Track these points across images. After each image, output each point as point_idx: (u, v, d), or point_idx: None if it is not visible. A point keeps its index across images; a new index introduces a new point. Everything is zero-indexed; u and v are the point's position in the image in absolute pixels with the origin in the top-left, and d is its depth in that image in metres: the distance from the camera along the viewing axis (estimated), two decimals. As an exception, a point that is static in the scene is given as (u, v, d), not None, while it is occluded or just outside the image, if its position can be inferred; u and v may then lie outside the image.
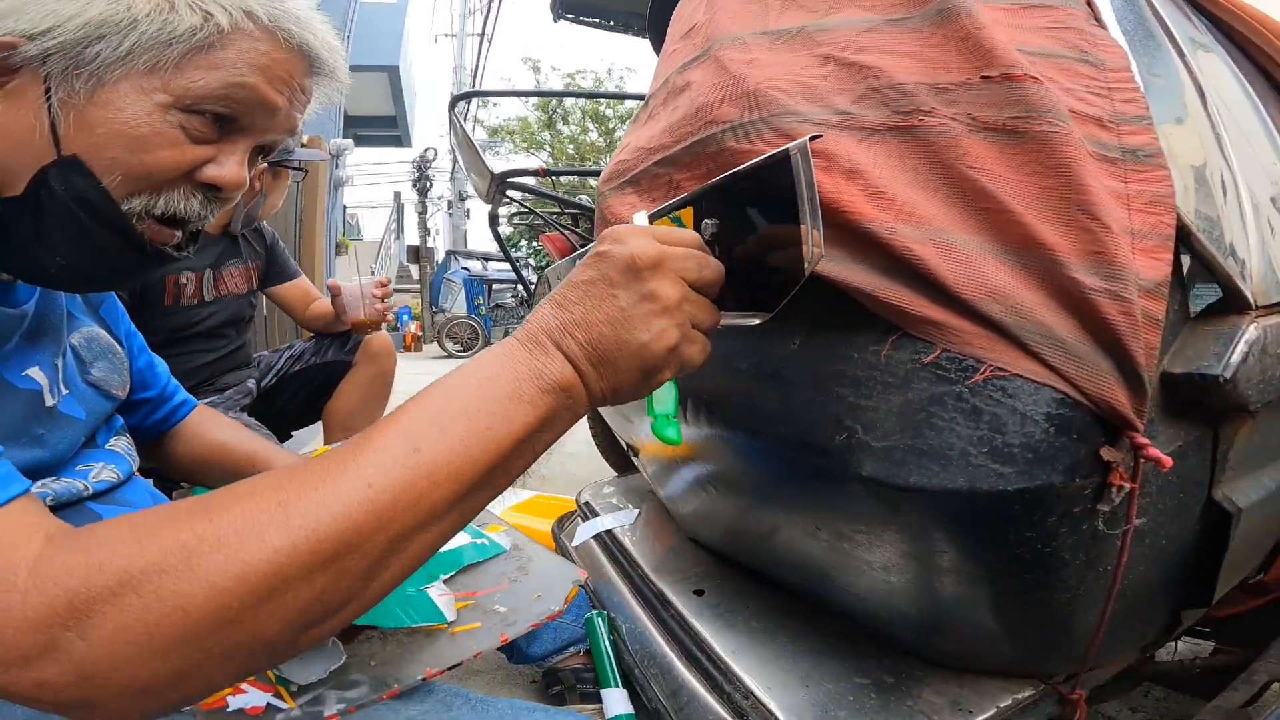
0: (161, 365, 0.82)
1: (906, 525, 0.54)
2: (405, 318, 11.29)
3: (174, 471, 0.83)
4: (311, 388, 1.51)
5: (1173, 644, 0.81)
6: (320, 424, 1.56)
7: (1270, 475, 0.62)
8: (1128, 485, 0.46)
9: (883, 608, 0.68)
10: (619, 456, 1.83)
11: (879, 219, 0.54)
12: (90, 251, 0.48)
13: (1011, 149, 0.52)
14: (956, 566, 0.54)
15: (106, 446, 0.64)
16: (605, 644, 0.89)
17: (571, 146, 16.43)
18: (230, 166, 0.49)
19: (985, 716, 0.63)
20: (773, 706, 0.69)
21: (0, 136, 0.44)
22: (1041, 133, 0.51)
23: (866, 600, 0.69)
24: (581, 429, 2.01)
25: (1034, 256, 0.49)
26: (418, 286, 12.46)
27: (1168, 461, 0.45)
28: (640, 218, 0.53)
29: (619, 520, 1.15)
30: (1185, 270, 0.53)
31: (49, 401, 0.54)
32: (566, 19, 2.01)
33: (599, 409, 0.95)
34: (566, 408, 0.40)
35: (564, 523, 1.27)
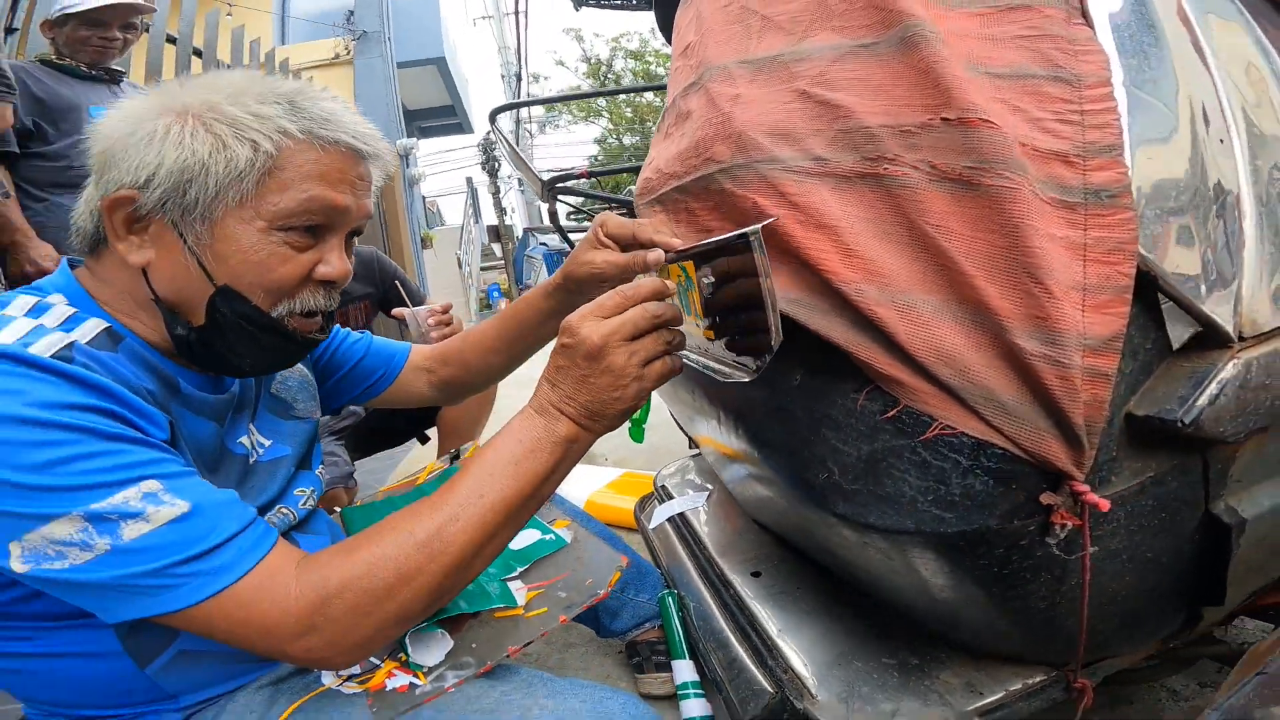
0: (363, 349, 0.98)
1: (881, 551, 0.62)
2: (496, 294, 12.16)
3: (416, 401, 1.01)
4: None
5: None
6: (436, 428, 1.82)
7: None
8: (1070, 523, 0.51)
9: (900, 597, 0.76)
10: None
11: (848, 278, 0.59)
12: (262, 350, 0.65)
13: (967, 202, 0.55)
14: (932, 581, 0.62)
15: (317, 472, 0.85)
16: (675, 621, 1.04)
17: (629, 110, 16.10)
18: (334, 262, 0.64)
19: (994, 698, 0.71)
20: (807, 679, 0.81)
21: (171, 279, 0.61)
22: (993, 187, 0.53)
23: (887, 589, 0.77)
24: (663, 408, 2.16)
25: (983, 318, 0.53)
26: (502, 263, 13.02)
27: (1104, 505, 0.50)
28: (655, 255, 0.69)
29: (690, 503, 1.28)
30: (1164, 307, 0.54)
31: (251, 460, 0.74)
32: (588, 6, 2.01)
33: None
34: (573, 450, 0.60)
35: (644, 504, 1.42)
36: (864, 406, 0.60)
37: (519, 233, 13.88)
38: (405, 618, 0.56)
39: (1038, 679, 0.71)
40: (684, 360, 0.64)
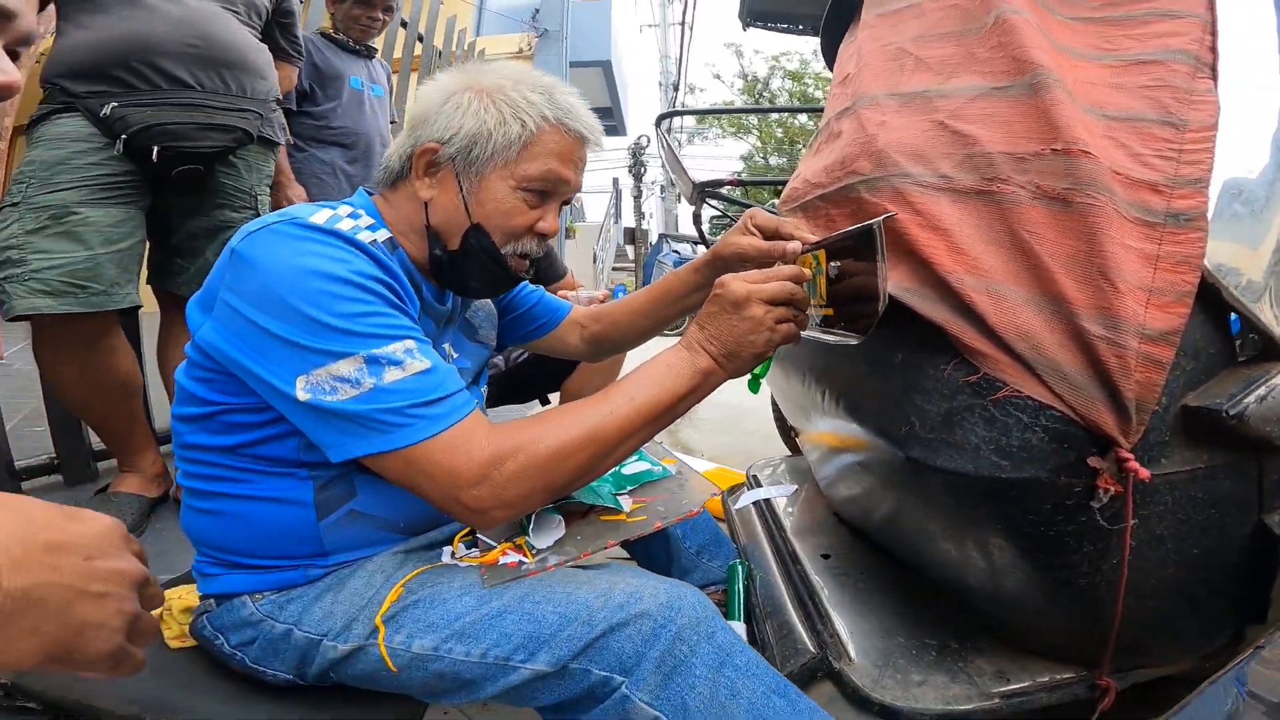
0: (536, 297, 1.14)
1: (941, 505, 0.74)
2: (620, 294, 12.50)
3: (567, 351, 1.17)
4: (557, 365, 1.99)
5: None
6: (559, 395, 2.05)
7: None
8: (1113, 489, 0.62)
9: (951, 563, 0.84)
10: (793, 440, 2.07)
11: (952, 269, 0.74)
12: (488, 278, 0.83)
13: (1060, 216, 0.68)
14: (982, 539, 0.73)
15: (480, 388, 1.05)
16: (739, 585, 1.14)
17: (780, 130, 16.19)
18: (550, 220, 0.82)
19: (1020, 686, 0.78)
20: (848, 644, 0.91)
21: (442, 212, 0.80)
22: (1082, 204, 0.66)
23: (942, 557, 0.86)
24: (765, 412, 2.28)
25: (1059, 306, 0.65)
26: (633, 266, 13.45)
27: (1145, 473, 0.60)
28: (794, 246, 0.85)
29: (778, 492, 1.41)
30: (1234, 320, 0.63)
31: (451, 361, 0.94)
32: (755, 26, 2.19)
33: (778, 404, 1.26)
34: (708, 381, 0.73)
35: (733, 491, 1.56)
36: (950, 375, 0.73)
37: (653, 238, 14.42)
38: (554, 487, 0.68)
39: (1066, 675, 0.78)
40: (801, 336, 0.79)
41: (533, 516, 0.90)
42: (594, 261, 11.61)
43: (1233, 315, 0.65)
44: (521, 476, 0.65)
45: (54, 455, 1.83)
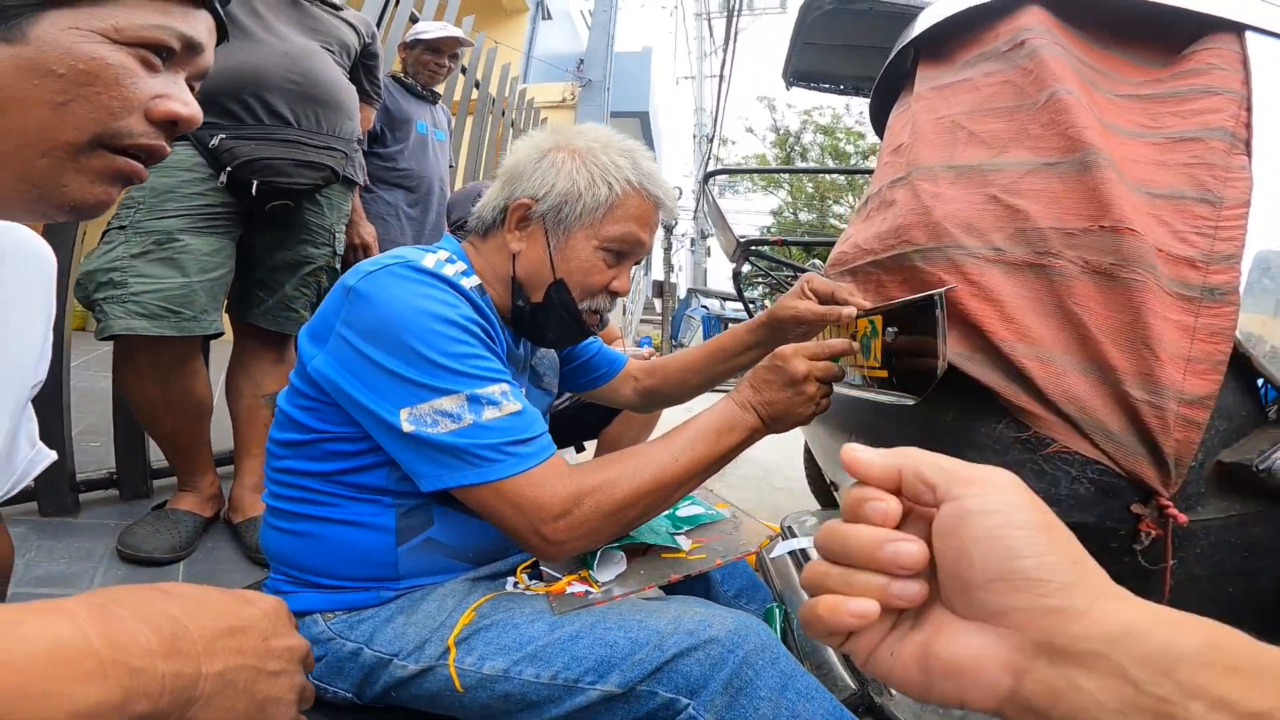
0: (596, 348, 1.19)
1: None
2: (646, 346, 12.56)
3: (620, 402, 1.24)
4: (596, 415, 2.03)
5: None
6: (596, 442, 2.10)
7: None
8: (1154, 532, 0.70)
9: None
10: (824, 494, 2.13)
11: (1006, 337, 0.83)
12: (564, 330, 0.89)
13: (1106, 289, 0.77)
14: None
15: None
16: (778, 627, 1.20)
17: (811, 185, 16.41)
18: (624, 280, 0.88)
19: None
20: None
21: (529, 265, 0.85)
22: (1128, 279, 0.75)
23: None
24: (792, 469, 2.32)
25: (1104, 373, 0.74)
26: (659, 319, 13.62)
27: (1183, 518, 0.68)
28: (849, 311, 0.90)
29: (811, 542, 1.47)
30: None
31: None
32: (799, 85, 2.28)
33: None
34: (753, 437, 0.79)
35: (772, 540, 1.63)
36: (1001, 432, 0.82)
37: (682, 292, 14.58)
38: (624, 523, 0.73)
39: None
40: (855, 397, 0.85)
41: (598, 552, 0.95)
42: (623, 314, 11.82)
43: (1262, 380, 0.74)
44: (598, 513, 0.71)
45: (113, 470, 1.90)
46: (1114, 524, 0.72)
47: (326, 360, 0.76)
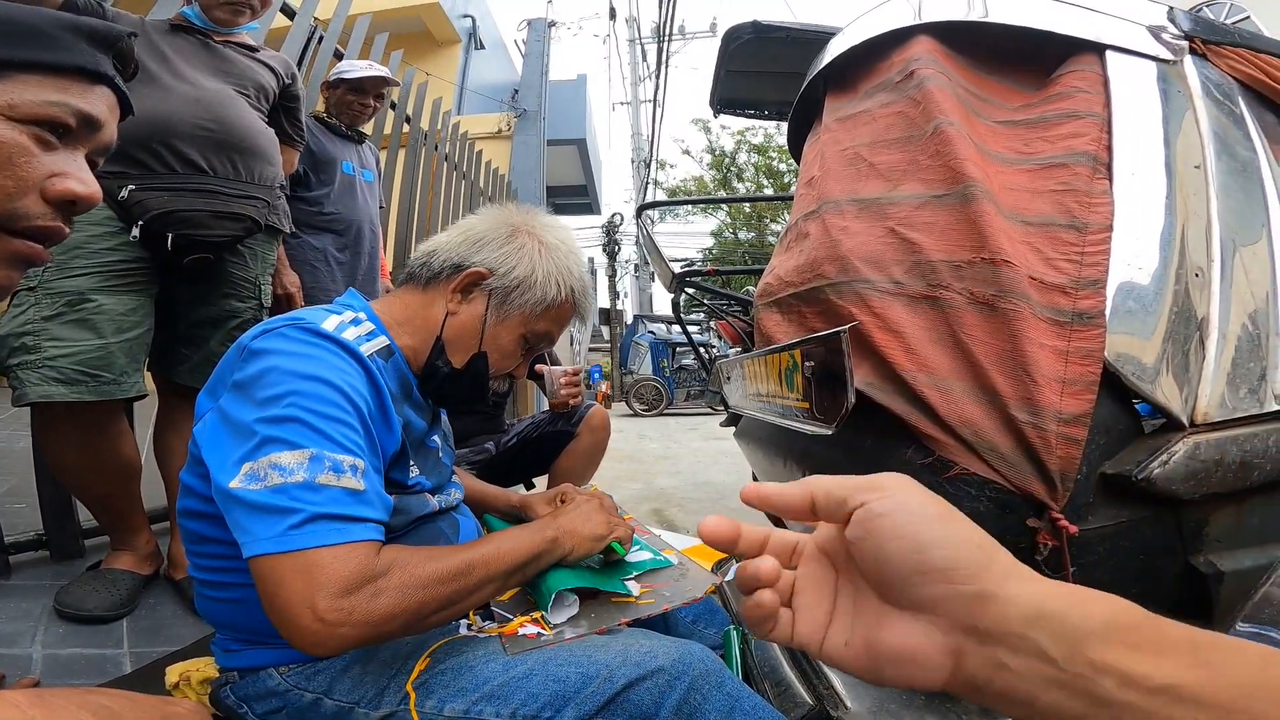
0: None
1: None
2: (596, 376, 12.55)
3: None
4: (545, 449, 2.08)
5: None
6: (547, 476, 2.13)
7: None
8: (1050, 543, 0.76)
9: None
10: (775, 515, 2.19)
11: (909, 368, 0.89)
12: (469, 398, 0.95)
13: (989, 319, 0.84)
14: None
15: (456, 479, 1.18)
16: (735, 650, 1.25)
17: (748, 206, 17.12)
18: (523, 369, 0.97)
19: None
20: (843, 694, 1.01)
21: (459, 330, 0.89)
22: (1006, 309, 0.82)
23: None
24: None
25: (993, 398, 0.80)
26: (608, 346, 13.65)
27: (1073, 529, 0.74)
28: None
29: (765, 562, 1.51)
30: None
31: (439, 453, 1.07)
32: (726, 112, 2.40)
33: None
34: (552, 550, 0.86)
35: (721, 564, 1.67)
36: (910, 457, 0.88)
37: (629, 318, 14.71)
38: (422, 613, 0.70)
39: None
40: (781, 425, 0.93)
41: (551, 594, 0.97)
42: (570, 343, 11.79)
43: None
44: (402, 588, 0.69)
45: (41, 532, 1.84)
46: (1014, 538, 0.77)
47: (208, 420, 0.76)
